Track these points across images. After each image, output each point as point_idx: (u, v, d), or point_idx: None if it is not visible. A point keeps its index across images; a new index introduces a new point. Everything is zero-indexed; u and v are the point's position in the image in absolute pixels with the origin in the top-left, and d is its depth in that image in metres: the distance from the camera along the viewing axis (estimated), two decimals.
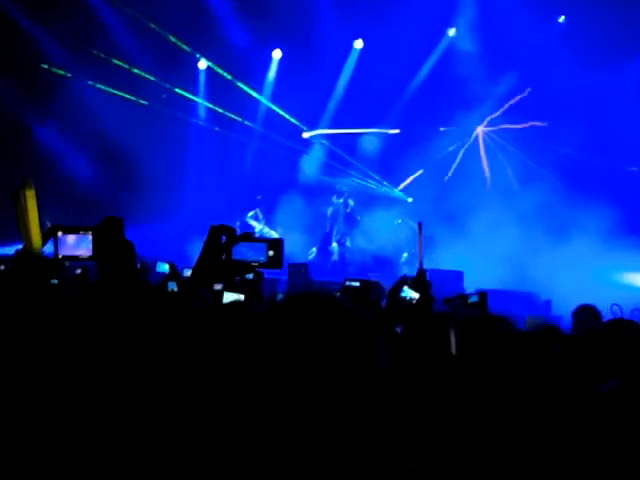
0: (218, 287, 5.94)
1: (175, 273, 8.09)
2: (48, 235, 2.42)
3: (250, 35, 16.76)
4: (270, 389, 1.44)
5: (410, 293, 4.65)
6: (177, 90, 17.45)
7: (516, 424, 2.52)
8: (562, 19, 16.03)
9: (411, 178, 17.54)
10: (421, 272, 4.73)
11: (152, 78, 16.89)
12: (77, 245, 2.43)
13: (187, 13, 15.93)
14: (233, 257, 2.37)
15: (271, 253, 2.45)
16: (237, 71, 17.40)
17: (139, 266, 8.08)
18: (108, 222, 2.41)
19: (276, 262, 2.47)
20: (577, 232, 14.20)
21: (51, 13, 15.16)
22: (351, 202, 17.24)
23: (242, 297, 5.69)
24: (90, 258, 2.43)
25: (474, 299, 6.09)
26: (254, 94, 17.78)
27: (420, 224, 5.36)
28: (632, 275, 14.38)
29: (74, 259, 2.47)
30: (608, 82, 14.97)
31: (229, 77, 17.46)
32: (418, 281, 4.60)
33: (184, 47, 16.98)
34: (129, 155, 15.69)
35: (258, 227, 16.98)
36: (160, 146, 15.97)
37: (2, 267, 6.80)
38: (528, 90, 16.32)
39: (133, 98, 16.78)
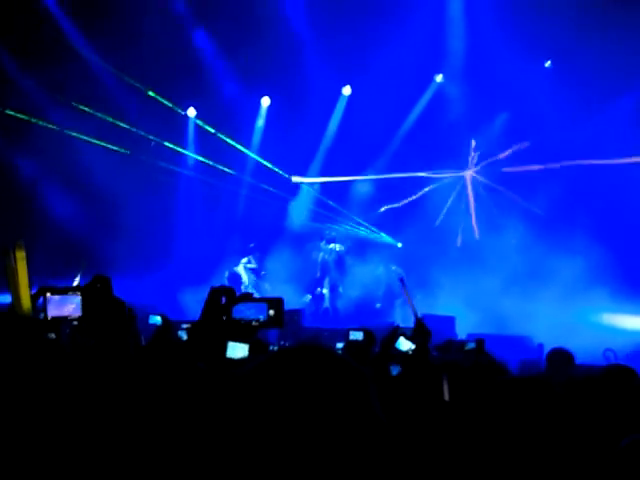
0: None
1: (168, 325, 8.01)
2: (37, 296, 2.41)
3: (238, 83, 16.83)
4: (267, 440, 1.46)
5: (405, 345, 4.64)
6: (166, 143, 17.46)
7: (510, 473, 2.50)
8: (548, 64, 16.17)
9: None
10: (419, 323, 4.72)
11: (139, 131, 16.93)
12: (66, 305, 2.42)
13: (175, 62, 16.00)
14: (233, 316, 2.37)
15: (272, 312, 2.46)
16: (225, 119, 17.39)
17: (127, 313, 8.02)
18: (96, 282, 2.40)
19: (276, 321, 2.48)
20: (558, 277, 14.34)
21: (37, 60, 15.21)
22: (341, 248, 17.23)
23: (246, 347, 5.63)
24: (79, 318, 2.42)
25: (471, 346, 6.10)
26: (240, 147, 17.84)
27: (402, 279, 5.41)
28: (611, 316, 14.47)
29: (64, 320, 2.46)
30: (597, 122, 15.13)
31: (212, 130, 17.55)
32: (417, 331, 4.58)
33: (166, 102, 17.09)
34: (115, 204, 15.65)
35: (245, 278, 17.02)
36: (148, 195, 15.95)
37: None
38: (526, 144, 16.41)
39: (117, 148, 16.82)
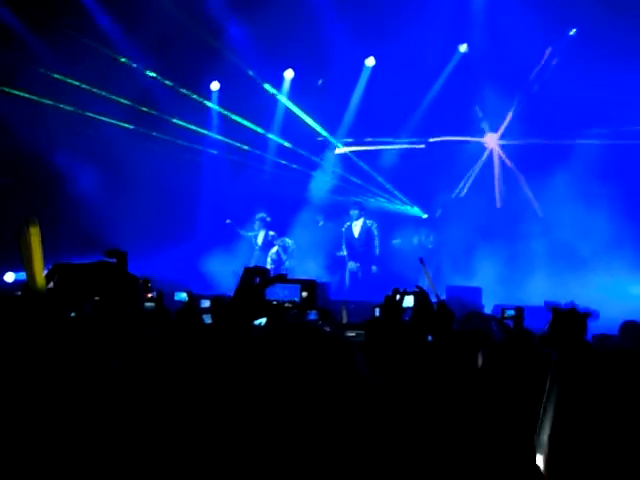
0: None
1: (193, 302, 8.07)
2: (52, 273, 2.41)
3: (260, 56, 16.77)
4: (269, 400, 1.62)
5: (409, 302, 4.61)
6: (190, 126, 17.58)
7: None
8: (573, 32, 15.96)
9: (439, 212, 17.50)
10: (441, 305, 4.63)
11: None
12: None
13: (194, 38, 16.01)
14: (267, 297, 2.36)
15: (304, 294, 2.46)
16: (248, 93, 17.40)
17: (155, 294, 8.10)
18: (110, 256, 2.38)
19: (309, 303, 2.47)
20: (581, 248, 14.23)
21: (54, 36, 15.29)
22: (372, 223, 17.12)
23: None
24: (92, 295, 2.41)
25: (510, 313, 6.19)
26: (260, 130, 17.87)
27: (422, 259, 5.35)
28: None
29: (77, 297, 2.45)
30: (623, 87, 14.91)
31: (231, 115, 17.59)
32: (439, 314, 4.50)
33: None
34: (137, 181, 15.80)
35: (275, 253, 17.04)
36: (170, 172, 16.10)
37: (19, 293, 6.80)
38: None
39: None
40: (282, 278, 2.41)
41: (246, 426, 1.67)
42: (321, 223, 17.31)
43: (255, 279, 2.34)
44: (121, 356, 2.33)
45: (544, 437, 2.84)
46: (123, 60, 16.65)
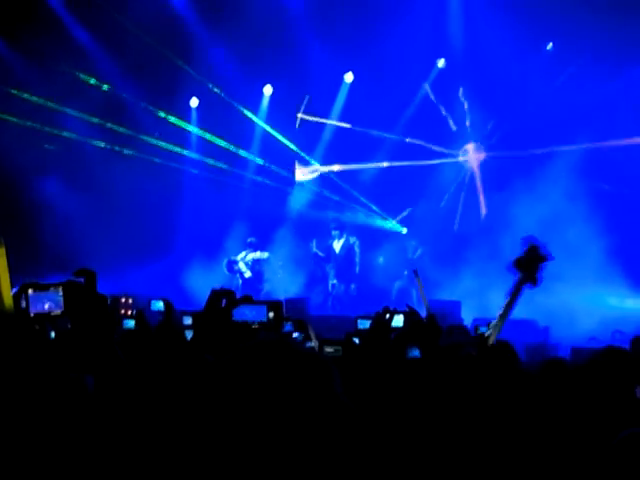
0: None
1: (170, 311, 7.99)
2: (19, 293, 2.40)
3: (239, 72, 16.77)
4: (238, 428, 1.57)
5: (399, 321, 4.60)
6: (171, 119, 17.63)
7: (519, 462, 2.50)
8: (550, 46, 16.07)
9: (407, 211, 17.52)
10: (431, 318, 4.63)
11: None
12: (49, 302, 2.40)
13: (174, 53, 16.08)
14: (234, 318, 2.36)
15: (271, 315, 2.46)
16: (226, 109, 17.47)
17: (135, 312, 8.05)
18: (79, 276, 2.38)
19: (276, 323, 2.48)
20: (570, 258, 14.22)
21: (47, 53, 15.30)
22: (354, 240, 17.10)
23: None
24: (62, 315, 2.40)
25: (483, 330, 6.15)
26: (239, 151, 17.95)
27: (416, 271, 5.36)
28: (621, 299, 14.40)
29: (46, 316, 2.44)
30: (603, 98, 15.00)
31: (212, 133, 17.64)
32: (428, 328, 4.49)
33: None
34: (115, 197, 15.89)
35: (243, 268, 16.99)
36: (149, 188, 16.14)
37: None
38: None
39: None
40: (248, 299, 2.42)
41: (215, 446, 1.65)
42: (314, 250, 17.26)
43: (222, 301, 2.35)
44: (94, 374, 2.33)
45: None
46: (91, 81, 16.69)
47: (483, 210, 17.01)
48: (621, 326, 11.93)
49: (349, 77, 17.46)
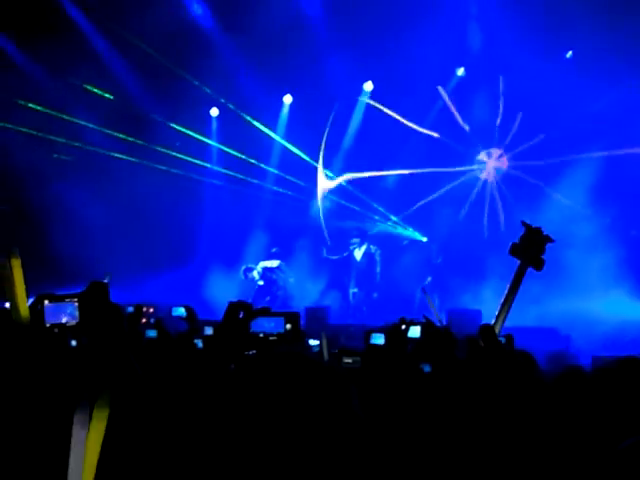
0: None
1: (192, 316, 8.04)
2: (35, 304, 2.42)
3: (260, 82, 16.82)
4: (255, 437, 1.60)
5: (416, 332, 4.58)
6: (190, 133, 17.73)
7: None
8: (569, 54, 16.00)
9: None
10: (446, 332, 4.58)
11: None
12: (63, 313, 2.43)
13: (196, 64, 16.17)
14: (252, 330, 2.36)
15: (289, 326, 2.45)
16: (249, 117, 17.59)
17: (154, 321, 8.09)
18: (93, 288, 2.40)
19: (294, 335, 2.47)
20: (591, 265, 14.15)
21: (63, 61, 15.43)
22: (375, 249, 17.14)
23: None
24: (77, 325, 2.42)
25: (501, 340, 6.09)
26: (270, 133, 18.01)
27: (424, 289, 5.33)
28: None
29: (62, 327, 2.47)
30: (619, 106, 14.94)
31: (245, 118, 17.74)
32: (445, 340, 4.45)
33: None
34: (139, 209, 15.97)
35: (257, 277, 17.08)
36: (172, 200, 16.27)
37: None
38: (541, 136, 16.28)
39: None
40: (265, 311, 2.42)
41: (229, 455, 1.66)
42: (325, 254, 17.34)
43: (239, 313, 2.36)
44: (110, 385, 2.34)
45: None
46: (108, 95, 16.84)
47: (502, 218, 16.95)
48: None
49: (369, 86, 17.46)
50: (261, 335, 2.44)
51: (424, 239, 17.58)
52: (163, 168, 17.28)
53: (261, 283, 17.03)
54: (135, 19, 15.17)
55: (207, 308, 14.08)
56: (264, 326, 2.42)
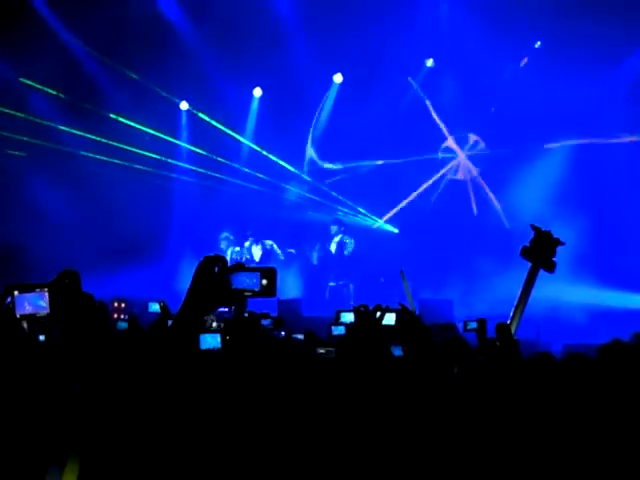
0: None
1: (167, 312, 8.05)
2: (4, 296, 2.40)
3: (229, 75, 16.75)
4: (237, 423, 1.60)
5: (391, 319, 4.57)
6: (160, 135, 17.63)
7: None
8: (538, 44, 16.09)
9: (397, 209, 17.53)
10: (416, 319, 4.58)
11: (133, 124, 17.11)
12: (34, 303, 2.40)
13: (166, 55, 16.05)
14: (234, 286, 2.33)
15: (264, 282, 2.41)
16: (217, 111, 17.54)
17: (127, 318, 8.07)
18: (63, 277, 2.37)
19: (269, 291, 2.43)
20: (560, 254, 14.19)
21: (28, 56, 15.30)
22: (350, 241, 17.18)
23: (218, 337, 5.69)
24: (48, 316, 2.39)
25: (473, 325, 6.12)
26: (237, 136, 17.95)
27: (402, 271, 5.34)
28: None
29: (32, 318, 2.44)
30: (591, 99, 15.09)
31: (205, 118, 17.67)
32: (416, 326, 4.45)
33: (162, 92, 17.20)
34: (107, 203, 16.02)
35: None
36: (142, 193, 16.27)
37: None
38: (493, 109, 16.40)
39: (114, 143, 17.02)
40: (241, 266, 2.38)
41: (212, 442, 1.65)
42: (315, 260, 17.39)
43: (215, 268, 2.33)
44: (84, 377, 2.32)
45: None
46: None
47: (474, 207, 17.04)
48: (614, 323, 11.95)
49: (338, 78, 17.45)
50: (234, 290, 2.39)
51: (395, 231, 17.63)
52: (127, 164, 17.17)
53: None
54: (99, 10, 15.06)
55: (179, 303, 14.04)
56: (245, 282, 2.38)
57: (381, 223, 17.72)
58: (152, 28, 15.93)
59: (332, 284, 17.08)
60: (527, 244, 4.59)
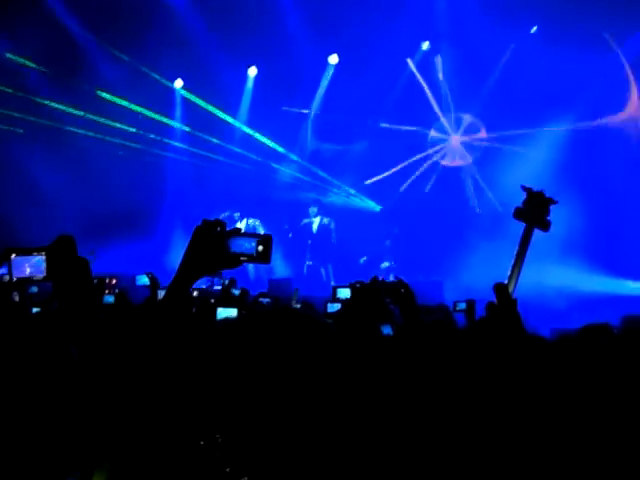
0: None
1: (156, 283, 8.02)
2: (2, 258, 2.42)
3: (224, 54, 16.68)
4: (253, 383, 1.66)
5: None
6: (153, 115, 17.59)
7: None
8: (534, 29, 16.07)
9: (380, 176, 17.55)
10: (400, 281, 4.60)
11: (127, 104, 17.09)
12: (31, 266, 2.43)
13: (161, 35, 15.98)
14: (232, 250, 2.36)
15: (260, 248, 2.45)
16: (212, 91, 17.47)
17: (117, 292, 8.05)
18: (60, 241, 2.40)
19: (264, 257, 2.46)
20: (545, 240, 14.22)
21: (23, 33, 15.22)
22: (330, 221, 17.23)
23: (235, 311, 5.76)
24: (44, 279, 2.43)
25: (462, 306, 6.17)
26: (230, 119, 17.91)
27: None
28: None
29: (29, 281, 2.47)
30: (585, 77, 15.10)
31: (198, 101, 17.61)
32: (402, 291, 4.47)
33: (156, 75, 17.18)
34: (100, 178, 15.96)
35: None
36: (134, 170, 16.24)
37: None
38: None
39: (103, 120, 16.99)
40: (237, 232, 2.42)
41: (223, 411, 1.69)
42: (290, 235, 17.39)
43: (215, 229, 2.36)
44: (80, 341, 2.35)
45: None
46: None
47: (471, 196, 17.08)
48: (601, 308, 11.99)
49: (334, 59, 17.41)
50: (231, 254, 2.43)
51: (378, 208, 17.65)
52: (119, 142, 17.16)
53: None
54: None
55: (169, 278, 14.03)
56: (243, 246, 2.42)
57: (366, 202, 17.76)
58: (146, 5, 15.81)
59: (309, 263, 17.13)
60: (521, 205, 4.63)
